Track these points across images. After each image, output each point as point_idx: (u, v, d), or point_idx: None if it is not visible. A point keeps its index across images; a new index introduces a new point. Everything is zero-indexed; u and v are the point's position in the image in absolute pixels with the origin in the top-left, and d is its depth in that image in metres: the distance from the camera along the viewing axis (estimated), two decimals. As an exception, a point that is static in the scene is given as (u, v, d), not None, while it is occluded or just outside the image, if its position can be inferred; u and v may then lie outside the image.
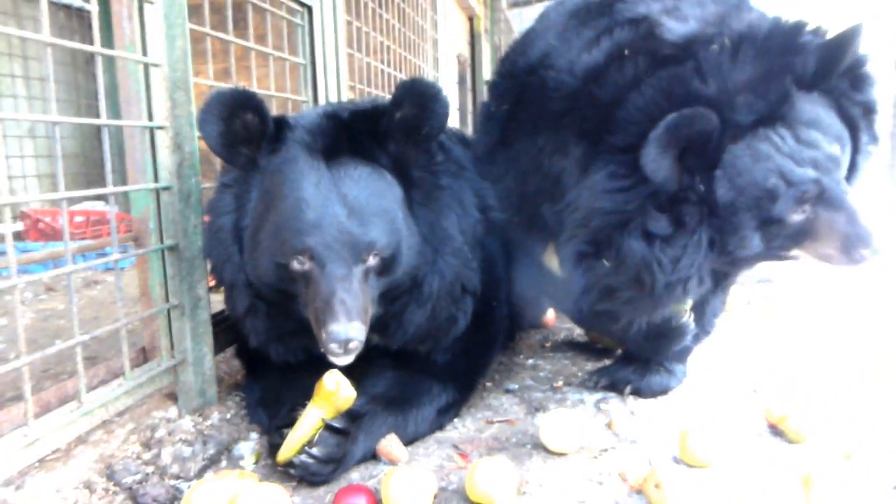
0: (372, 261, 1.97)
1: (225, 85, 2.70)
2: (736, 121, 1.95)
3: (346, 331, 1.82)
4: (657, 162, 1.91)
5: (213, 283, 2.31)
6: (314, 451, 1.94)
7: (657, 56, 2.10)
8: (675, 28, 2.16)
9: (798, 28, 2.02)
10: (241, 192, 2.10)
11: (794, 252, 2.08)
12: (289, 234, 1.95)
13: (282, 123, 2.10)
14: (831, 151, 1.99)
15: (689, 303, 2.42)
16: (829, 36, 2.02)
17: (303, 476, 1.97)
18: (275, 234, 1.98)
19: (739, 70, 1.97)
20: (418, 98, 2.01)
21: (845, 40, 1.99)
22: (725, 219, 1.99)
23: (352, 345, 1.84)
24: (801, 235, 2.02)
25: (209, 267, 2.28)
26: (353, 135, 2.07)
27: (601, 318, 2.49)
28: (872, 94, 2.14)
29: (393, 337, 2.21)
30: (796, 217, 1.97)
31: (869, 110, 2.15)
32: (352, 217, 1.95)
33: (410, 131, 2.05)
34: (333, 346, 1.84)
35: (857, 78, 2.11)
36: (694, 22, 2.18)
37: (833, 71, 2.02)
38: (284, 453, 1.96)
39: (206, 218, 2.23)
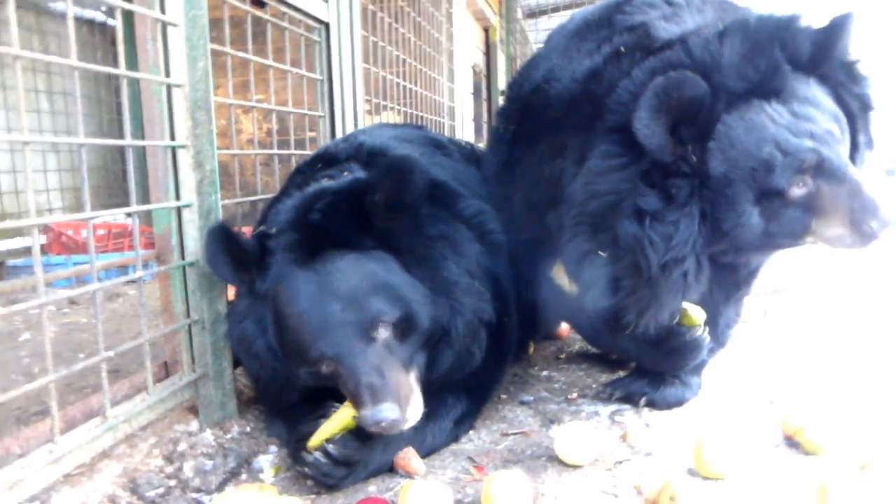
0: (384, 332, 2.05)
1: (244, 102, 2.77)
2: (727, 87, 1.95)
3: (374, 414, 1.93)
4: (649, 127, 1.91)
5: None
6: (330, 448, 2.00)
7: (651, 49, 2.13)
8: (670, 28, 2.21)
9: (793, 16, 2.04)
10: (259, 317, 2.21)
11: (802, 238, 2.03)
12: (304, 347, 2.08)
13: (263, 244, 2.19)
14: (828, 128, 1.97)
15: (703, 316, 2.42)
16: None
17: (314, 475, 2.01)
18: (295, 350, 2.12)
19: (728, 46, 1.99)
20: (396, 173, 2.11)
21: (840, 23, 2.01)
22: (719, 192, 1.97)
23: (383, 424, 1.93)
24: (806, 214, 1.98)
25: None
26: (329, 234, 2.15)
27: (611, 327, 2.49)
28: (869, 89, 2.14)
29: (426, 377, 2.25)
30: (797, 191, 1.94)
31: (866, 105, 2.15)
32: (347, 308, 2.04)
33: (392, 206, 2.13)
34: (370, 428, 1.96)
35: (853, 73, 2.12)
36: (692, 24, 2.22)
37: (829, 53, 2.02)
38: (312, 440, 2.02)
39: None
